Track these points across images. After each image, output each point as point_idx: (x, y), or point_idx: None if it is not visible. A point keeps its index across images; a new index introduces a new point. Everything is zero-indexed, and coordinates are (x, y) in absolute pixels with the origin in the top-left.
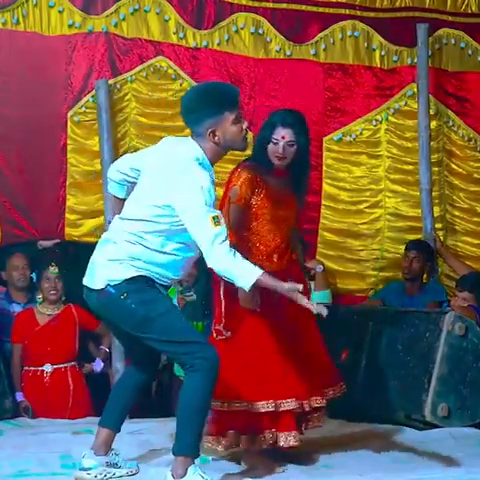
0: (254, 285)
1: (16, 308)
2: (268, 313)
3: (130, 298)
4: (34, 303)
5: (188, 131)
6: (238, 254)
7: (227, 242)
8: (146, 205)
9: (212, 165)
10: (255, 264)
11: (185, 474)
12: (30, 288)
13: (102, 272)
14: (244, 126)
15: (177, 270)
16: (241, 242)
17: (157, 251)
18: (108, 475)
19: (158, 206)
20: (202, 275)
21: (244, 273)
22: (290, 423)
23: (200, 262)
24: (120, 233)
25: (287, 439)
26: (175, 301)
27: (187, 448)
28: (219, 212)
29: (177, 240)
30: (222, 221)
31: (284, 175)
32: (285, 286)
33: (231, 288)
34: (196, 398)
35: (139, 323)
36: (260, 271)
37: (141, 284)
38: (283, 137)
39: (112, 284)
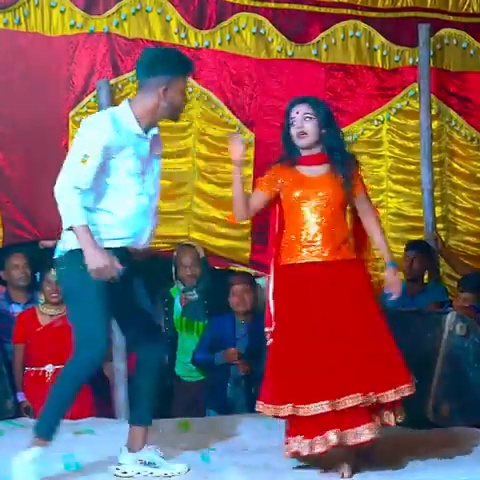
0: (72, 229)
1: (16, 308)
2: (305, 310)
3: (66, 270)
4: (34, 303)
5: (190, 131)
6: (78, 196)
7: (81, 180)
8: None
9: (149, 125)
10: (298, 256)
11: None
12: (30, 288)
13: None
14: (186, 99)
15: (124, 227)
16: (281, 236)
17: (91, 210)
18: (141, 472)
19: None
20: (205, 275)
21: (68, 213)
22: (355, 419)
23: (203, 262)
24: None
25: (357, 435)
26: (178, 300)
27: (38, 429)
28: (91, 152)
29: (105, 196)
30: (89, 161)
31: (320, 161)
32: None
33: (279, 291)
34: (57, 386)
35: (64, 295)
36: (82, 221)
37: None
38: (297, 112)
39: (59, 254)
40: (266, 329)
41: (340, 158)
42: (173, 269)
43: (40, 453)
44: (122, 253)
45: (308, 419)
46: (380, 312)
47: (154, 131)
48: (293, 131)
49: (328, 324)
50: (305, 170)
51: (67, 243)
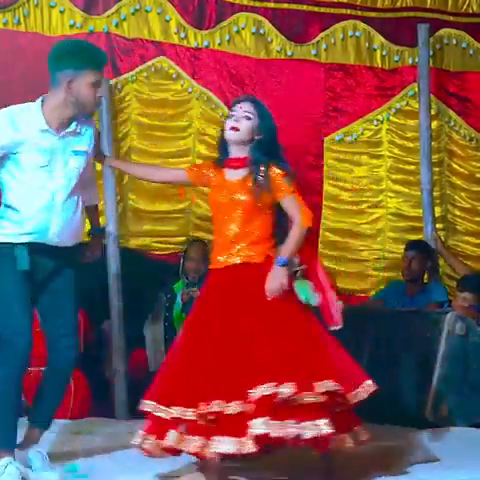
0: None
1: None
2: (207, 316)
3: None
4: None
5: (190, 131)
6: None
7: None
8: None
9: (62, 120)
10: (216, 261)
11: None
12: None
13: None
14: (98, 95)
15: (27, 222)
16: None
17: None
18: (21, 472)
19: None
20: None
21: None
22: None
23: (207, 259)
24: None
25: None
26: (179, 296)
27: None
28: None
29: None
30: None
31: (243, 165)
32: None
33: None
34: None
35: None
36: None
37: None
38: (241, 107)
39: None
40: None
41: (258, 164)
42: (181, 263)
43: (8, 461)
44: (38, 248)
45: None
46: (294, 314)
47: (71, 128)
48: (227, 124)
49: (226, 330)
50: (228, 173)
51: None
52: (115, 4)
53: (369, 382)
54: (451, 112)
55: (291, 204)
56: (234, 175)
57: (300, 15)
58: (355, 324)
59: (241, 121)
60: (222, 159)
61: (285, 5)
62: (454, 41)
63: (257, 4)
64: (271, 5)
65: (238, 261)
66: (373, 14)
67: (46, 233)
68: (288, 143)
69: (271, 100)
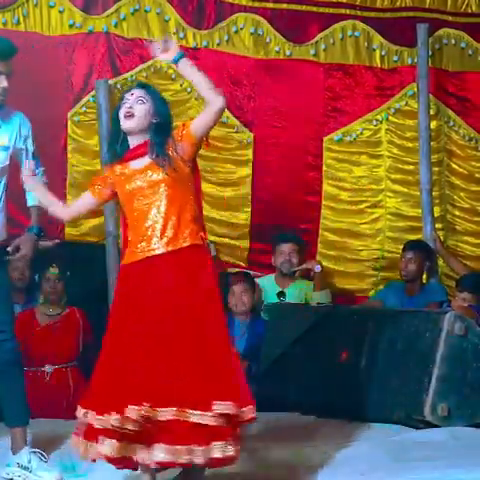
0: None
1: (15, 309)
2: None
3: None
4: (33, 303)
5: None
6: None
7: None
8: None
9: None
10: (132, 254)
11: None
12: (29, 289)
13: None
14: (3, 85)
15: None
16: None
17: None
18: (21, 476)
19: None
20: None
21: None
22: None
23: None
24: None
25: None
26: None
27: None
28: None
29: None
30: None
31: (146, 151)
32: None
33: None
34: None
35: None
36: None
37: None
38: (132, 94)
39: None
40: None
41: (155, 140)
42: None
43: None
44: None
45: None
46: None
47: None
48: (121, 112)
49: (135, 330)
50: (132, 164)
51: None
52: (114, 4)
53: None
54: (450, 112)
55: (197, 118)
56: (139, 163)
57: (299, 15)
58: (355, 324)
59: (135, 106)
60: (121, 153)
61: (284, 5)
62: (453, 41)
63: (256, 4)
64: (270, 5)
65: (161, 251)
66: (372, 14)
67: None
68: (287, 143)
69: (270, 100)
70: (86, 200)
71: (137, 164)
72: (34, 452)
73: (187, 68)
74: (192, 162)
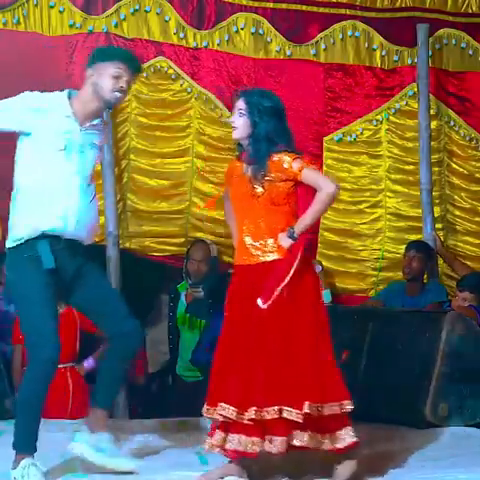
0: None
1: (12, 308)
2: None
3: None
4: None
5: (189, 131)
6: None
7: None
8: None
9: (77, 113)
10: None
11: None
12: None
13: None
14: (119, 86)
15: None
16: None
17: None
18: (91, 455)
19: None
20: (213, 273)
21: None
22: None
23: (213, 261)
24: None
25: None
26: (183, 296)
27: (15, 444)
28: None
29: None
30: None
31: (249, 161)
32: None
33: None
34: (20, 395)
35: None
36: None
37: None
38: (236, 105)
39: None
40: None
41: (250, 155)
42: (184, 263)
43: (29, 463)
44: (56, 243)
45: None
46: (308, 319)
47: (94, 122)
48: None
49: (253, 332)
50: (244, 168)
51: (12, 234)
52: (114, 4)
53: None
54: (450, 112)
55: (309, 177)
56: (247, 170)
57: (299, 15)
58: (355, 324)
59: (235, 119)
60: (239, 153)
61: (284, 5)
62: (453, 41)
63: (256, 4)
64: (270, 5)
65: (265, 259)
66: (372, 14)
67: (65, 221)
68: None
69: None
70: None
71: (246, 169)
72: (109, 436)
73: (304, 226)
74: (291, 185)
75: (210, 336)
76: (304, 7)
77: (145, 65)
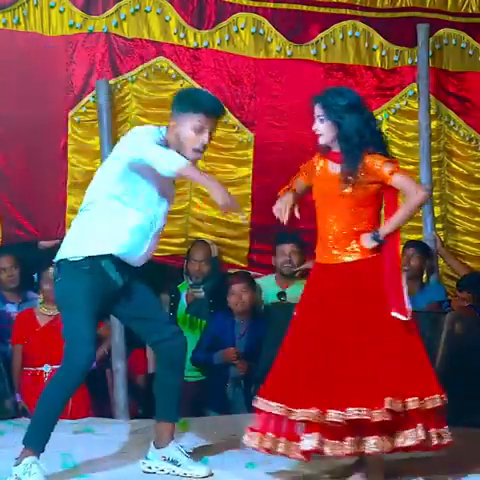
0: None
1: (11, 308)
2: (315, 313)
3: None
4: (29, 302)
5: None
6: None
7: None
8: None
9: None
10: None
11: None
12: (23, 287)
13: None
14: (202, 140)
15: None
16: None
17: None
18: (165, 469)
19: None
20: (213, 274)
21: (171, 159)
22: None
23: (214, 261)
24: None
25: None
26: (183, 296)
27: (26, 439)
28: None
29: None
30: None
31: (340, 160)
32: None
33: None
34: (44, 394)
35: (57, 302)
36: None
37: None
38: (313, 112)
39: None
40: None
41: (342, 156)
42: (184, 263)
43: (33, 461)
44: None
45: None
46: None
47: None
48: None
49: (334, 331)
50: (330, 166)
51: (68, 250)
52: (114, 4)
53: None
54: (450, 112)
55: (400, 182)
56: (335, 168)
57: (299, 15)
58: None
59: (318, 126)
60: (327, 150)
61: (284, 5)
62: (453, 41)
63: (256, 4)
64: (270, 5)
65: (346, 259)
66: (372, 14)
67: (138, 252)
68: (287, 143)
69: (270, 100)
70: (299, 184)
71: (334, 168)
72: (181, 447)
73: (389, 230)
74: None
75: (210, 336)
76: (304, 7)
77: (145, 65)
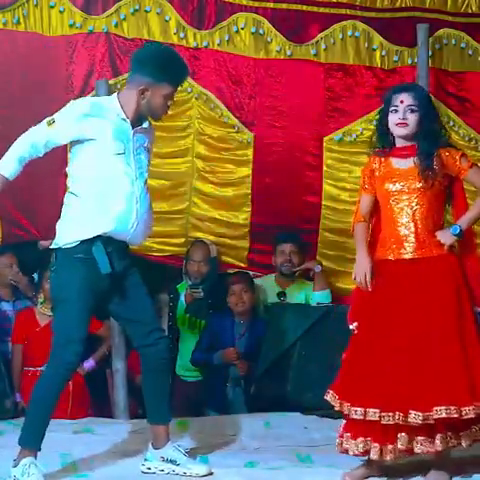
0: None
1: (6, 306)
2: (387, 311)
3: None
4: (22, 300)
5: (189, 131)
6: (21, 150)
7: (30, 138)
8: None
9: (129, 117)
10: (388, 252)
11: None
12: (16, 286)
13: None
14: (168, 105)
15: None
16: (376, 232)
17: None
18: (165, 469)
19: None
20: (212, 274)
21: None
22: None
23: (213, 262)
24: None
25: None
26: (183, 296)
27: (21, 439)
28: (56, 116)
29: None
30: (54, 124)
31: (411, 153)
32: None
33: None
34: (35, 392)
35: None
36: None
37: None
38: (402, 101)
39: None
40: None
41: (429, 154)
42: (184, 263)
43: (30, 461)
44: (108, 246)
45: (358, 420)
46: (467, 317)
47: (144, 125)
48: (392, 118)
49: (406, 330)
50: (395, 162)
51: (60, 238)
52: (114, 4)
53: None
54: (450, 112)
55: (476, 176)
56: (403, 164)
57: (299, 15)
58: None
59: (407, 116)
60: (385, 148)
61: (284, 5)
62: (453, 41)
63: (256, 4)
64: (270, 5)
65: (416, 256)
66: (372, 14)
67: (126, 224)
68: (287, 143)
69: (270, 100)
70: (367, 202)
71: (401, 164)
72: (178, 446)
73: (468, 224)
74: (448, 184)
75: (209, 336)
76: (304, 7)
77: None
